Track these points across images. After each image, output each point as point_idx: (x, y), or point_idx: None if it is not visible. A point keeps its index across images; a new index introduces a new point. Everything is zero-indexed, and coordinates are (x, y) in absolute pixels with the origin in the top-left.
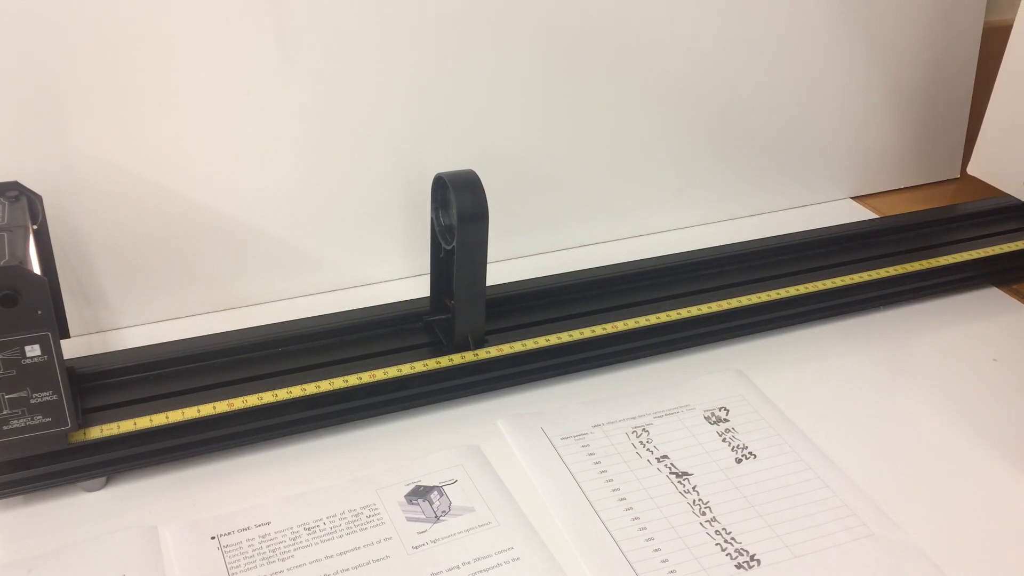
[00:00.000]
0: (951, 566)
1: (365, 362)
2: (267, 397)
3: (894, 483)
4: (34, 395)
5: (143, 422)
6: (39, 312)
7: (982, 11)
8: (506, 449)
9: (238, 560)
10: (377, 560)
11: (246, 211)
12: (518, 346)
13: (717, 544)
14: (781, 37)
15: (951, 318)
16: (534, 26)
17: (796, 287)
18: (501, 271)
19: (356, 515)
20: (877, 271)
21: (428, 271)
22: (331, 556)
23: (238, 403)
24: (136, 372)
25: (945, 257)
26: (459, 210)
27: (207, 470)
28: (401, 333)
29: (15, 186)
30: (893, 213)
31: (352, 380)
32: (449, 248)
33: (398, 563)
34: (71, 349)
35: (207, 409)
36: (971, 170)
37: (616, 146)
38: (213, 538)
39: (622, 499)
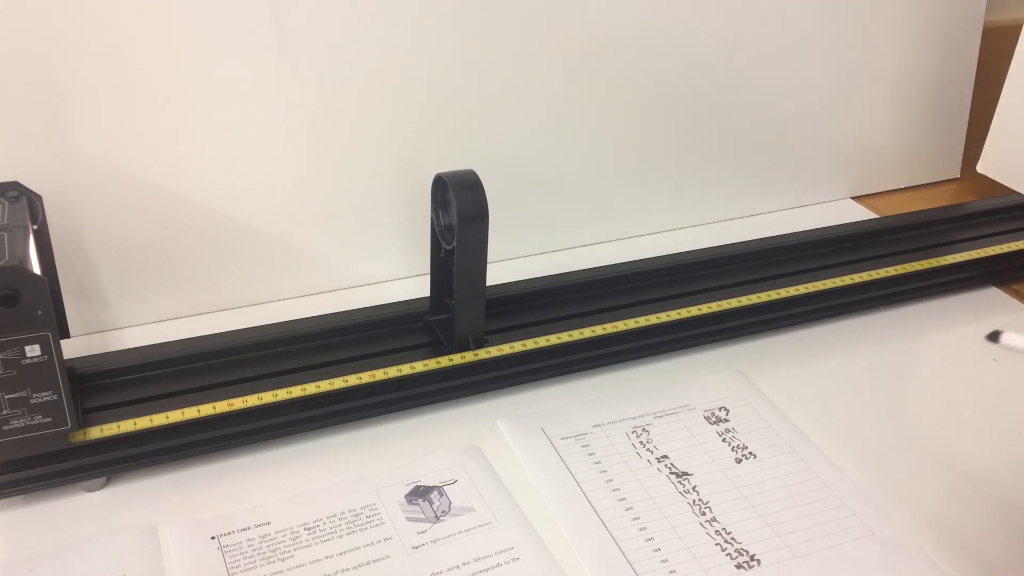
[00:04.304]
0: (951, 566)
1: (365, 362)
2: (267, 397)
3: (894, 483)
4: (34, 395)
5: (143, 422)
6: (39, 312)
7: (982, 11)
8: (506, 449)
9: (238, 560)
10: (377, 560)
11: (246, 211)
12: (518, 346)
13: (717, 544)
14: (781, 36)
15: (951, 318)
16: (535, 26)
17: (796, 287)
18: (501, 271)
19: (356, 515)
20: (877, 271)
21: (428, 271)
22: (331, 556)
23: (238, 403)
24: (136, 372)
25: (945, 257)
26: (459, 210)
27: (207, 470)
28: (401, 333)
29: (15, 186)
30: (893, 213)
31: (352, 380)
32: (449, 248)
33: (398, 563)
34: (71, 349)
35: (207, 409)
36: (981, 168)
37: (616, 146)
38: (213, 538)
39: (622, 499)
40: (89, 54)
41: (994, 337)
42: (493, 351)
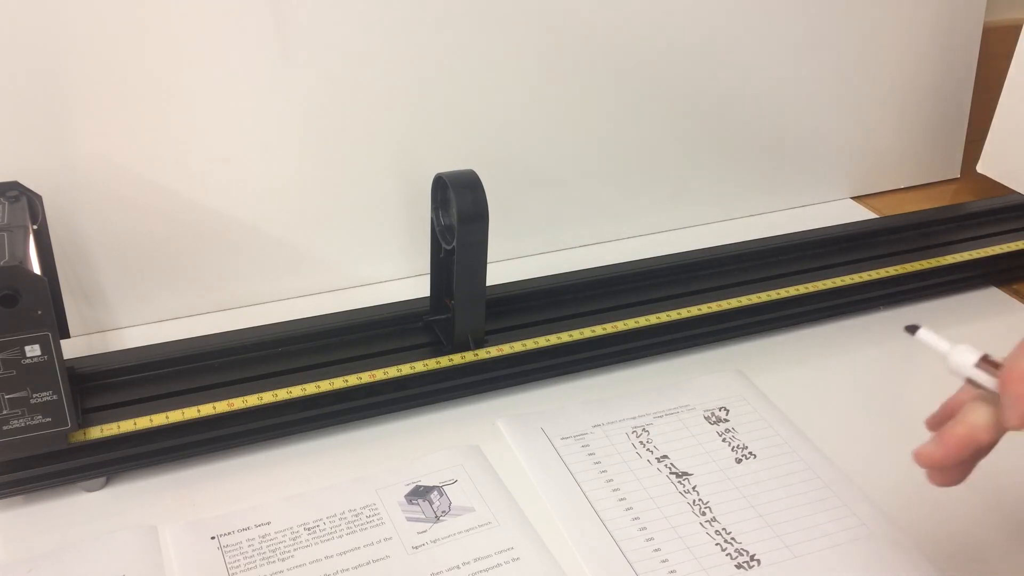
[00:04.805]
0: (951, 566)
1: (365, 362)
2: (267, 397)
3: (894, 483)
4: (34, 395)
5: (143, 422)
6: (39, 312)
7: (982, 11)
8: (506, 449)
9: (238, 560)
10: (377, 560)
11: (246, 211)
12: (518, 346)
13: (717, 544)
14: (780, 37)
15: (951, 318)
16: (535, 26)
17: (796, 287)
18: (501, 271)
19: (356, 515)
20: (877, 271)
21: (428, 271)
22: (331, 556)
23: (238, 403)
24: (136, 372)
25: (945, 257)
26: (459, 210)
27: (207, 470)
28: (401, 333)
29: (15, 186)
30: (893, 213)
31: (352, 380)
32: (449, 248)
33: (398, 563)
34: (71, 349)
35: (207, 409)
36: (981, 168)
37: (616, 146)
38: (213, 538)
39: (622, 499)
40: (89, 54)
41: (912, 330)
42: (493, 351)
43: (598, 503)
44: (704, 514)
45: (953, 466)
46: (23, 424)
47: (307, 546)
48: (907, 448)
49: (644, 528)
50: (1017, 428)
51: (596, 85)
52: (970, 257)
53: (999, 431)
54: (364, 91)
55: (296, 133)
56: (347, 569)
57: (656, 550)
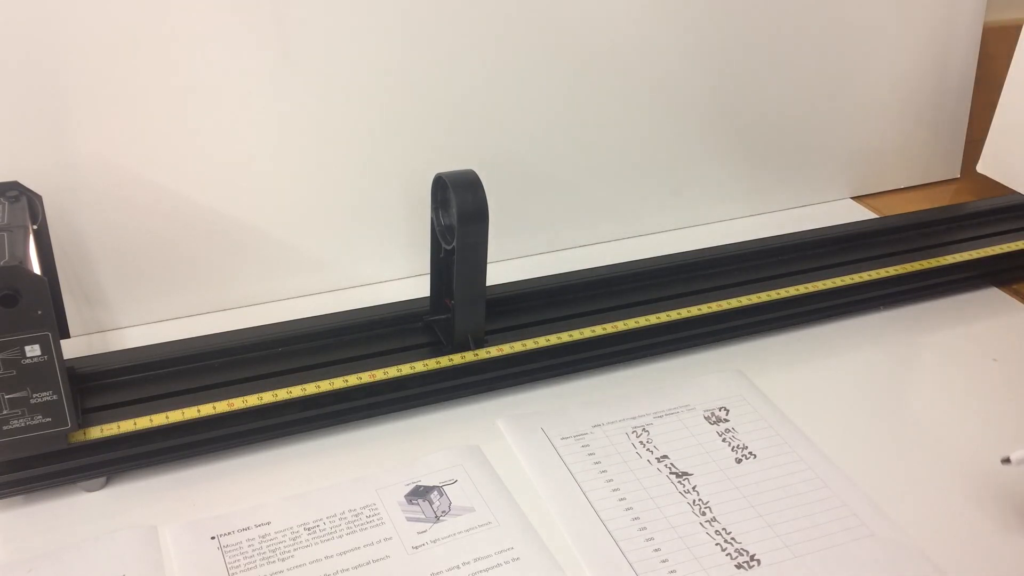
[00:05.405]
0: (951, 566)
1: (365, 362)
2: (267, 397)
3: (894, 483)
4: (34, 395)
5: (143, 422)
6: (39, 312)
7: (982, 11)
8: (506, 449)
9: (238, 560)
10: (377, 560)
11: (246, 211)
12: (518, 346)
13: (717, 544)
14: (781, 37)
15: (951, 318)
16: (534, 27)
17: (796, 287)
18: (501, 271)
19: (356, 515)
20: (877, 271)
21: (428, 271)
22: (331, 556)
23: (238, 403)
24: (136, 372)
25: (945, 257)
26: (459, 210)
27: (207, 470)
28: (401, 333)
29: (15, 186)
30: (893, 213)
31: (352, 380)
32: (449, 248)
33: (398, 563)
34: (71, 349)
35: (207, 409)
36: (981, 168)
37: (616, 146)
38: (213, 538)
39: (622, 499)
40: (90, 55)
41: (1006, 461)
42: (493, 351)
43: (598, 503)
44: (704, 514)
45: None
46: (23, 424)
47: (307, 546)
48: (907, 448)
49: (644, 528)
50: None
51: (597, 86)
52: (970, 257)
53: None
54: (365, 91)
55: (296, 133)
56: (347, 569)
57: (656, 550)
